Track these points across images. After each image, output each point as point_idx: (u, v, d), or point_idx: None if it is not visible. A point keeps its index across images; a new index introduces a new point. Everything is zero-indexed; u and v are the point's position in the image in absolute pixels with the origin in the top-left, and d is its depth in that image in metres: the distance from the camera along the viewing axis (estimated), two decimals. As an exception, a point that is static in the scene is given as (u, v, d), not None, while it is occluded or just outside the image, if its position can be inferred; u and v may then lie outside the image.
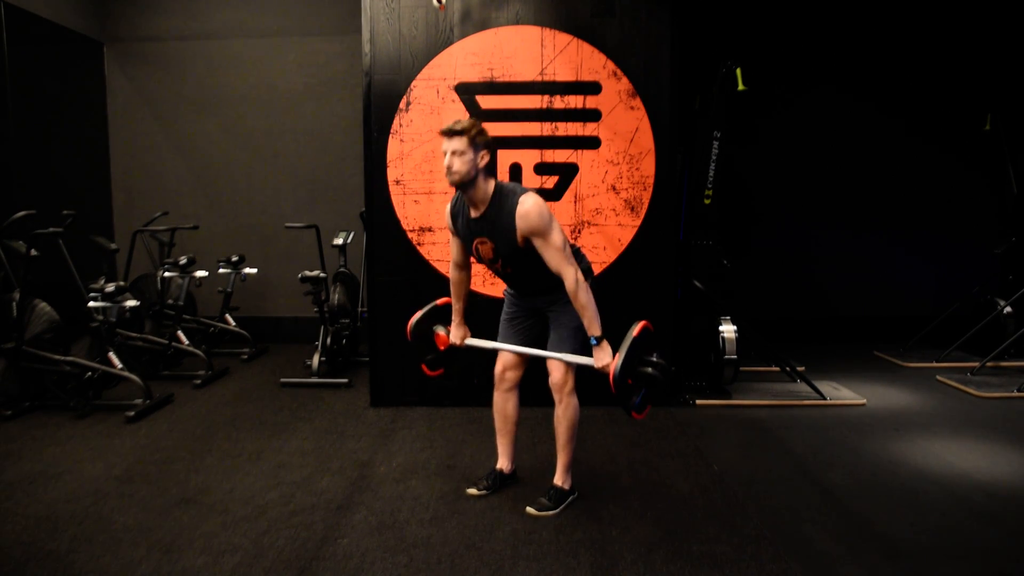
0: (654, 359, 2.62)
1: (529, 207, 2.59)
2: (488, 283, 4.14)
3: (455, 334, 3.03)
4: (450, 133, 2.59)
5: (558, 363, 2.82)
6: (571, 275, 2.61)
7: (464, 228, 2.77)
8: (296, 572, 2.42)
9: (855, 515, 2.85)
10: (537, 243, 2.62)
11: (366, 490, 3.08)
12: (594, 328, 2.65)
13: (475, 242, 2.76)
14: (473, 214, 2.71)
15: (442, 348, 3.08)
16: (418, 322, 3.05)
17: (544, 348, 2.88)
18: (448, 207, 2.85)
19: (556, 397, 2.86)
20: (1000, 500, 2.98)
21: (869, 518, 2.82)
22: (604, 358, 2.63)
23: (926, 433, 3.83)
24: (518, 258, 2.71)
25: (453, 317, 3.04)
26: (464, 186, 2.62)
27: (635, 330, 2.61)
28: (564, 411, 2.87)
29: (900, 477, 3.24)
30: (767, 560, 2.49)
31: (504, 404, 3.02)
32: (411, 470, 3.31)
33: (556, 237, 2.61)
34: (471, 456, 3.47)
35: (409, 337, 3.05)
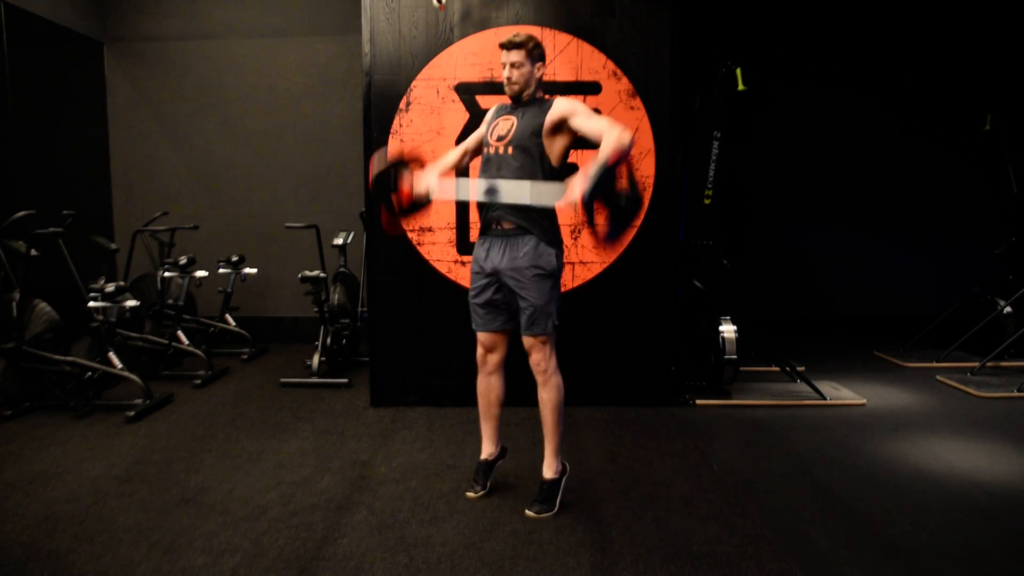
0: (627, 187, 2.46)
1: (572, 98, 2.81)
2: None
3: (420, 179, 2.74)
4: (509, 46, 2.75)
5: (536, 343, 2.81)
6: (619, 127, 2.51)
7: (496, 117, 2.89)
8: (296, 572, 2.42)
9: (855, 515, 2.85)
10: (577, 121, 2.68)
11: (366, 490, 3.08)
12: (593, 165, 2.41)
13: (499, 120, 2.85)
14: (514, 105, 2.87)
15: (405, 205, 2.76)
16: (381, 175, 2.75)
17: (518, 321, 2.84)
18: (491, 111, 2.99)
19: (539, 379, 2.85)
20: (1000, 500, 2.98)
21: (869, 518, 2.83)
22: (578, 184, 2.42)
23: (926, 433, 3.83)
24: (527, 146, 2.74)
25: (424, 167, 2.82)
26: (519, 95, 2.81)
27: (609, 158, 2.42)
28: (548, 392, 2.85)
29: (900, 477, 3.24)
30: (767, 560, 2.49)
31: (488, 387, 3.01)
32: (411, 470, 3.31)
33: (600, 115, 2.71)
34: (471, 456, 3.46)
35: (370, 186, 2.80)
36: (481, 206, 2.85)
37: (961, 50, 5.90)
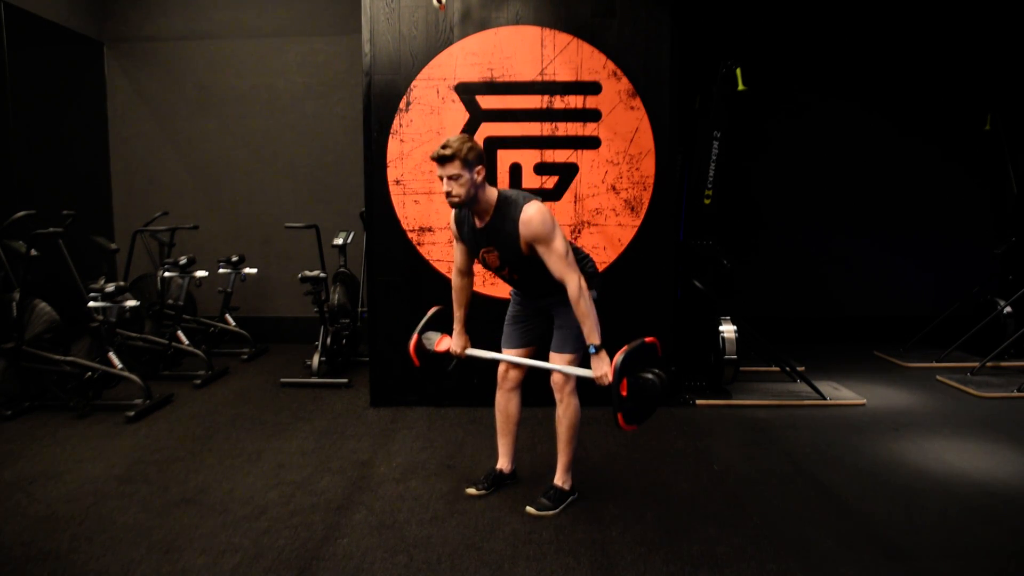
0: (653, 373, 2.59)
1: (531, 215, 2.61)
2: (488, 283, 4.14)
3: (456, 343, 2.99)
4: (442, 160, 2.56)
5: (562, 362, 2.83)
6: (574, 282, 2.62)
7: (470, 238, 2.79)
8: (296, 572, 2.42)
9: (855, 515, 2.85)
10: (540, 250, 2.63)
11: (366, 490, 3.08)
12: (593, 337, 2.65)
13: (482, 251, 2.79)
14: (478, 224, 2.72)
15: (440, 351, 3.04)
16: (419, 345, 2.99)
17: (548, 346, 2.90)
18: (453, 214, 2.84)
19: (557, 396, 2.88)
20: (1000, 500, 2.98)
21: (869, 518, 2.83)
22: (602, 367, 2.64)
23: (926, 433, 3.83)
24: (524, 265, 2.73)
25: (455, 325, 3.01)
26: (468, 204, 2.64)
27: (636, 343, 2.60)
28: (565, 410, 2.89)
29: (900, 477, 3.24)
30: (767, 560, 2.49)
31: (507, 404, 3.03)
32: (411, 470, 3.31)
33: (559, 244, 2.62)
34: (471, 456, 3.47)
35: (415, 361, 2.99)
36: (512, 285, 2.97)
37: (961, 50, 5.90)
